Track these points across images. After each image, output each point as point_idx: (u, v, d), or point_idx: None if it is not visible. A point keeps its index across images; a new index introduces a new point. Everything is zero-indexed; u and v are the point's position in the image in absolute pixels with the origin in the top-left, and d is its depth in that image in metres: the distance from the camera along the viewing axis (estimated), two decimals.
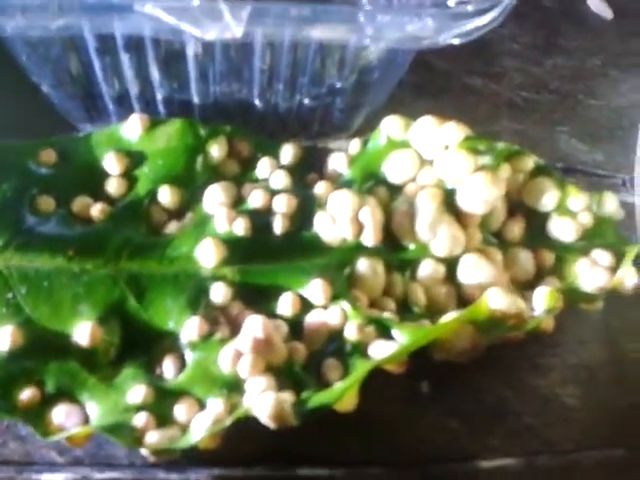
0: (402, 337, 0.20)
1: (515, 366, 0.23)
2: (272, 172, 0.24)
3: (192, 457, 0.20)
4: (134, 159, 0.24)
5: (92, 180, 0.23)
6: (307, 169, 0.25)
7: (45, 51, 0.22)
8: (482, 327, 0.20)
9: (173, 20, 0.19)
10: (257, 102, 0.25)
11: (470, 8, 0.21)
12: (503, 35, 0.33)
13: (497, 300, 0.19)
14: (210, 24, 0.19)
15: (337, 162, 0.25)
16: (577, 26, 0.34)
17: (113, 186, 0.23)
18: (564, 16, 0.34)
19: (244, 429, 0.19)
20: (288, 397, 0.18)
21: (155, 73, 0.23)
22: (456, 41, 0.21)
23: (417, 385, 0.22)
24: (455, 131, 0.22)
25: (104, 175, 0.24)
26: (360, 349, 0.20)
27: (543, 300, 0.21)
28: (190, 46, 0.22)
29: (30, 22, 0.19)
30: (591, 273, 0.23)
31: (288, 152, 0.25)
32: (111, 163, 0.23)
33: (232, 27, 0.19)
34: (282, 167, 0.25)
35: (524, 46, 0.33)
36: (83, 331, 0.20)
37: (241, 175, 0.25)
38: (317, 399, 0.19)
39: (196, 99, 0.25)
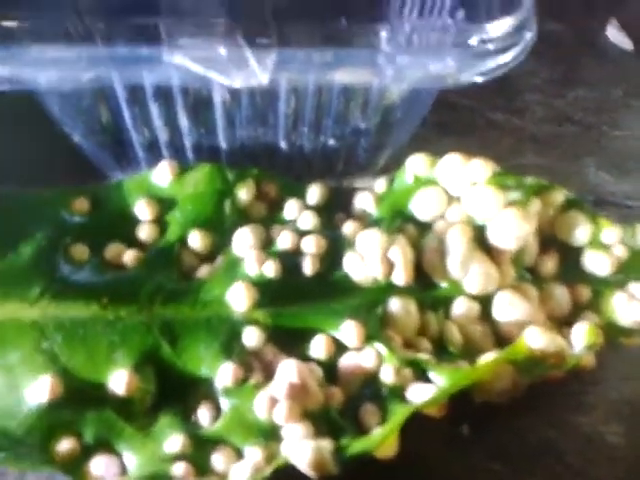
0: (440, 379, 0.20)
1: (556, 404, 0.23)
2: (300, 213, 0.24)
3: None
4: (164, 205, 0.24)
5: (124, 226, 0.24)
6: (334, 209, 0.25)
7: (77, 102, 0.23)
8: (522, 367, 0.20)
9: (201, 69, 0.19)
10: (283, 145, 0.25)
11: (491, 47, 0.21)
12: (523, 71, 0.33)
13: (536, 339, 0.19)
14: (237, 72, 0.20)
15: (364, 201, 0.25)
16: (597, 58, 0.34)
17: (145, 232, 0.24)
18: (584, 48, 0.35)
19: (282, 477, 0.18)
20: (327, 444, 0.18)
21: (184, 121, 0.24)
22: (478, 79, 0.21)
23: (457, 427, 0.22)
24: (482, 168, 0.22)
25: (135, 221, 0.24)
26: (397, 393, 0.20)
27: (583, 336, 0.20)
28: (217, 93, 0.22)
29: (62, 75, 0.20)
30: (628, 307, 0.22)
31: (315, 193, 0.25)
32: (142, 209, 0.24)
33: (258, 74, 0.20)
34: (309, 208, 0.25)
35: (545, 80, 0.33)
36: (119, 379, 0.20)
37: (269, 217, 0.25)
38: (357, 446, 0.18)
39: (223, 144, 0.25)
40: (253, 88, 0.22)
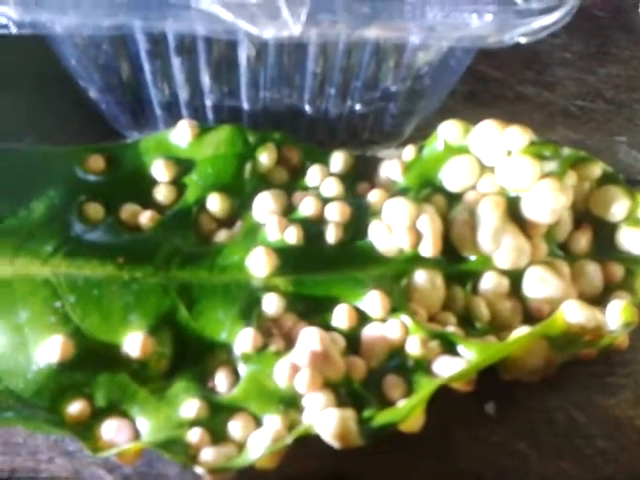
0: (470, 353, 0.19)
1: (583, 385, 0.22)
2: (323, 180, 0.24)
3: (247, 478, 0.18)
4: (183, 166, 0.23)
5: (140, 187, 0.23)
6: (358, 178, 0.24)
7: (95, 53, 0.22)
8: (557, 343, 0.19)
9: (230, 17, 0.18)
10: (307, 108, 0.24)
11: (536, 5, 0.20)
12: (554, 44, 0.32)
13: (575, 313, 0.18)
14: (268, 22, 0.19)
15: (390, 170, 0.24)
16: (630, 35, 0.33)
17: (162, 194, 0.23)
18: (616, 25, 0.33)
19: (302, 448, 0.17)
20: (352, 415, 0.17)
21: (206, 78, 0.23)
22: (522, 40, 0.20)
23: (482, 405, 0.21)
24: (519, 135, 0.21)
25: (153, 182, 0.23)
26: (423, 365, 0.19)
27: (619, 314, 0.19)
28: (243, 49, 0.21)
29: (82, 19, 0.19)
30: None
31: (338, 160, 0.24)
32: (160, 170, 0.23)
33: (290, 25, 0.19)
34: (333, 175, 0.24)
35: (576, 55, 0.32)
36: (134, 342, 0.19)
37: (290, 183, 0.24)
38: (382, 417, 0.18)
39: (245, 105, 0.24)
40: (281, 45, 0.21)
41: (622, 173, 0.27)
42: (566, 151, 0.22)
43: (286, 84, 0.23)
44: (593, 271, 0.22)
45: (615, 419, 0.21)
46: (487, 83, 0.29)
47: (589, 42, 0.32)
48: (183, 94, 0.24)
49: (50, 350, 0.19)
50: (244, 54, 0.22)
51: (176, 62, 0.22)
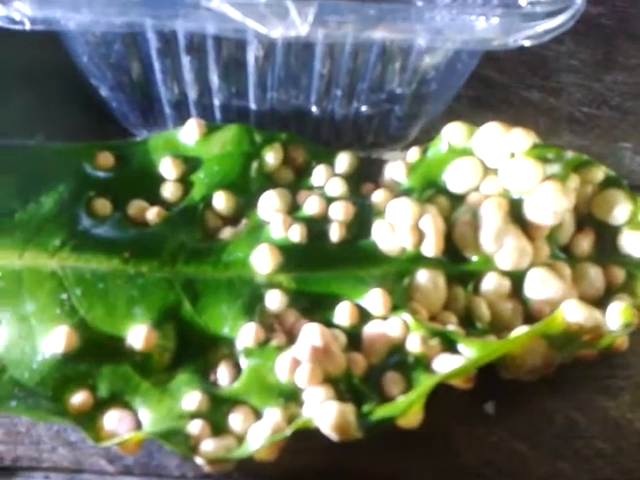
0: (469, 351, 0.19)
1: (584, 387, 0.22)
2: (328, 180, 0.24)
3: (246, 470, 0.19)
4: (190, 164, 0.23)
5: (148, 184, 0.23)
6: (362, 179, 0.25)
7: (106, 51, 0.22)
8: (556, 343, 0.19)
9: (239, 16, 0.19)
10: (314, 109, 0.25)
11: (540, 9, 0.20)
12: (561, 51, 0.32)
13: (574, 313, 0.18)
14: (276, 22, 0.19)
15: (394, 171, 0.24)
16: (636, 43, 0.33)
17: (169, 191, 0.23)
18: (623, 34, 0.34)
19: (300, 442, 0.18)
20: (351, 408, 0.18)
21: (214, 77, 0.23)
22: (527, 43, 0.20)
23: (481, 404, 0.21)
24: (523, 138, 0.22)
25: (160, 180, 0.23)
26: (423, 362, 0.19)
27: (618, 316, 0.19)
28: (252, 48, 0.22)
29: (95, 17, 0.19)
30: None
31: (344, 160, 0.24)
32: (167, 168, 0.23)
33: (298, 25, 0.19)
34: (337, 175, 0.24)
35: (582, 62, 0.32)
36: (138, 334, 0.19)
37: (295, 183, 0.24)
38: (380, 412, 0.18)
39: (253, 105, 0.24)
40: (288, 46, 0.22)
41: (626, 179, 0.27)
42: (569, 154, 0.22)
43: (293, 85, 0.24)
44: (594, 274, 0.22)
45: (614, 421, 0.21)
46: (493, 88, 0.30)
47: (595, 50, 0.32)
48: (192, 93, 0.24)
49: (55, 341, 0.19)
50: (252, 54, 0.22)
51: (186, 61, 0.22)
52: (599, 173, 0.23)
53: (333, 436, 0.17)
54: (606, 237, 0.23)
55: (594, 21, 0.34)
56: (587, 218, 0.23)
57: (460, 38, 0.20)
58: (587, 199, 0.23)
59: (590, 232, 0.23)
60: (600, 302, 0.22)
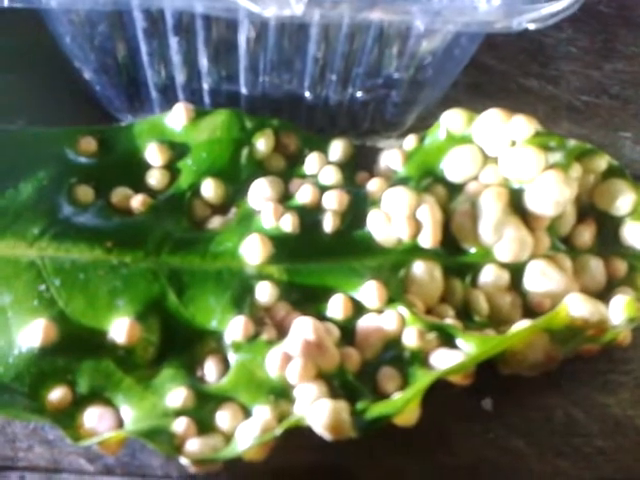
0: (469, 346, 0.18)
1: (584, 383, 0.21)
2: (321, 168, 0.23)
3: (234, 470, 0.18)
4: (177, 151, 0.23)
5: (133, 171, 0.22)
6: (357, 167, 0.24)
7: (91, 32, 0.21)
8: (559, 337, 0.18)
9: None
10: (307, 94, 0.24)
11: None
12: (560, 38, 0.31)
13: (578, 307, 0.17)
14: (269, 0, 0.18)
15: (390, 159, 0.23)
16: (636, 32, 0.33)
17: (155, 178, 0.22)
18: (622, 22, 0.33)
19: (292, 440, 0.17)
20: (345, 406, 0.17)
21: (204, 60, 0.22)
22: (531, 26, 0.19)
23: (479, 401, 0.20)
24: (525, 125, 0.21)
25: (145, 166, 0.22)
26: (420, 358, 0.19)
27: (622, 309, 0.19)
28: (243, 29, 0.21)
29: None
30: None
31: (337, 148, 0.24)
32: (153, 154, 0.22)
33: (292, 4, 0.18)
34: (331, 163, 0.23)
35: (582, 50, 0.31)
36: (120, 327, 0.19)
37: (287, 170, 0.23)
38: (376, 410, 0.17)
39: (244, 90, 0.24)
40: (282, 27, 0.21)
41: (627, 169, 0.27)
42: (571, 143, 0.21)
43: (286, 69, 0.23)
44: (596, 266, 0.22)
45: (614, 418, 0.21)
46: (491, 75, 0.29)
47: (595, 37, 0.32)
48: (180, 77, 0.23)
49: (33, 334, 0.18)
50: (244, 36, 0.21)
51: (173, 42, 0.21)
52: (602, 162, 0.22)
53: (326, 435, 0.16)
54: (608, 228, 0.22)
55: (594, 8, 0.33)
56: (589, 208, 0.22)
57: (461, 20, 0.19)
58: (589, 189, 0.22)
59: (592, 223, 0.22)
60: (601, 295, 0.21)
